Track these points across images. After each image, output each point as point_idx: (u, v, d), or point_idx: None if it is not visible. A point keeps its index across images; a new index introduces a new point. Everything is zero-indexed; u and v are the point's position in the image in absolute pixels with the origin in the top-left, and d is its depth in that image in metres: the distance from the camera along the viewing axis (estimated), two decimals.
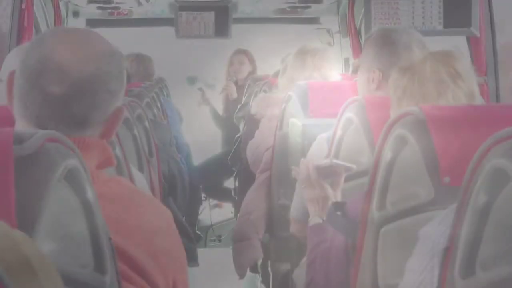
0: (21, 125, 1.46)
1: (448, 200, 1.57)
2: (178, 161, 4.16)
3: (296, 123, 3.15)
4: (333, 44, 5.96)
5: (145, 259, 1.40)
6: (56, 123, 1.43)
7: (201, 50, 7.82)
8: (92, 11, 5.85)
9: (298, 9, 6.04)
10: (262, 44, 7.06)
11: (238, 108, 5.63)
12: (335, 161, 2.31)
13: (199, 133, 7.04)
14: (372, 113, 2.30)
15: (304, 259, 2.44)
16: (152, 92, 4.49)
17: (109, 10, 5.90)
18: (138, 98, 3.50)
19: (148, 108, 3.82)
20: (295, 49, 3.73)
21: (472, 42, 4.10)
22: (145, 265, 1.40)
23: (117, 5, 5.71)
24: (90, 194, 1.22)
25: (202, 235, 6.21)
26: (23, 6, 4.19)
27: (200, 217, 6.36)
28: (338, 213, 2.07)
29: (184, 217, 4.61)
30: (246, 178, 4.35)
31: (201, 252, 4.97)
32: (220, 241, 6.34)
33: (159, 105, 4.61)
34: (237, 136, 5.20)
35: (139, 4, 5.59)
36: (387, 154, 1.77)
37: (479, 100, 1.99)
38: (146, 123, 3.03)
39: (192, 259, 4.13)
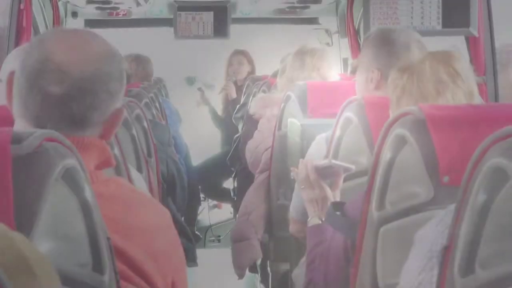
0: (20, 125, 1.46)
1: (448, 199, 1.57)
2: (177, 161, 4.16)
3: (295, 123, 3.15)
4: (332, 44, 5.97)
5: (143, 259, 1.40)
6: (55, 123, 1.43)
7: (200, 50, 7.82)
8: (91, 11, 5.85)
9: (297, 9, 6.04)
10: (261, 44, 7.06)
11: (237, 108, 5.62)
12: (334, 161, 2.31)
13: (198, 134, 7.04)
14: (371, 113, 2.30)
15: (303, 259, 2.44)
16: (151, 92, 4.49)
17: (108, 11, 5.90)
18: (137, 98, 3.50)
19: (147, 108, 3.82)
20: (294, 49, 3.73)
21: (471, 42, 4.10)
22: (143, 265, 1.40)
23: (115, 6, 5.71)
24: (88, 194, 1.21)
25: (201, 236, 6.21)
26: (22, 7, 4.19)
27: (199, 217, 6.36)
28: (337, 213, 2.07)
29: (183, 218, 4.61)
30: (245, 179, 4.35)
31: (200, 253, 4.97)
32: (219, 241, 6.34)
33: (158, 105, 4.60)
34: (236, 136, 5.20)
35: (138, 4, 5.59)
36: (387, 154, 1.77)
37: (478, 100, 1.99)
38: (145, 123, 3.02)
39: (191, 259, 4.13)
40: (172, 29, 6.04)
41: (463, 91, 1.93)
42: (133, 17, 6.12)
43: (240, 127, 5.38)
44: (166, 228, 1.52)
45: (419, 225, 1.47)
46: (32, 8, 4.33)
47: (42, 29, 4.80)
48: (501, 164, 1.15)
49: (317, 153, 2.69)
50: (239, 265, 3.84)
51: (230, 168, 5.32)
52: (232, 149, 5.16)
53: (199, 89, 6.85)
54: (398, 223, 1.74)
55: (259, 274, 4.25)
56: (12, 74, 1.49)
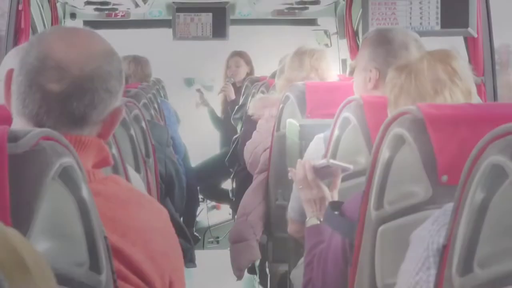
0: (19, 123, 1.46)
1: (446, 199, 1.56)
2: (175, 162, 4.16)
3: (294, 123, 3.14)
4: (331, 45, 5.97)
5: (141, 258, 1.40)
6: (54, 121, 1.43)
7: (199, 51, 7.82)
8: (89, 12, 5.85)
9: (296, 11, 6.04)
10: (259, 45, 7.06)
11: (235, 109, 5.62)
12: (332, 161, 2.30)
13: (197, 134, 7.04)
14: (369, 113, 2.30)
15: (302, 260, 2.43)
16: (149, 93, 4.48)
17: (106, 12, 5.90)
18: (135, 98, 3.50)
19: (145, 109, 3.82)
20: (293, 50, 3.73)
21: (470, 42, 4.10)
22: (141, 265, 1.40)
23: (114, 7, 5.71)
24: (85, 193, 1.21)
25: (199, 237, 6.21)
26: (20, 7, 4.19)
27: (198, 218, 6.35)
28: (336, 213, 2.06)
29: (181, 218, 4.61)
30: (244, 179, 4.35)
31: (199, 254, 4.97)
32: (218, 242, 6.34)
33: (156, 106, 4.60)
34: (234, 137, 5.20)
35: (137, 5, 5.59)
36: (385, 153, 1.76)
37: (476, 99, 1.98)
38: (143, 124, 3.02)
39: (190, 260, 4.13)
40: (170, 30, 6.05)
41: (461, 89, 1.92)
42: (131, 18, 6.13)
43: (239, 128, 5.38)
44: (164, 228, 1.52)
45: (418, 224, 1.47)
46: (30, 9, 4.33)
47: (40, 30, 4.79)
48: (499, 162, 1.15)
49: (315, 153, 2.69)
50: (237, 266, 3.83)
51: (228, 169, 5.32)
52: (231, 150, 5.16)
53: (198, 90, 6.85)
54: (397, 223, 1.74)
55: (257, 275, 4.25)
56: (10, 72, 1.49)
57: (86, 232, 1.21)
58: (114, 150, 2.00)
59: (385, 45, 2.56)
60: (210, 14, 6.00)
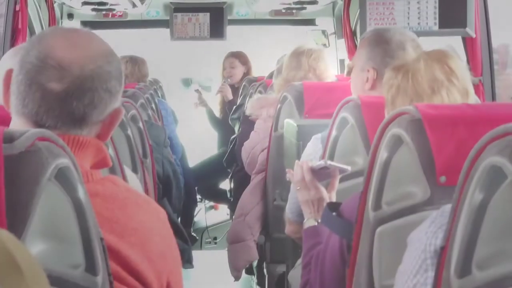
0: (18, 123, 1.46)
1: (444, 199, 1.56)
2: (172, 162, 4.16)
3: (292, 123, 3.13)
4: (329, 45, 5.97)
5: (138, 259, 1.39)
6: (54, 121, 1.43)
7: (196, 51, 7.82)
8: (87, 12, 5.84)
9: (294, 11, 6.04)
10: (257, 45, 7.06)
11: (233, 109, 5.62)
12: (329, 162, 2.30)
13: (194, 135, 7.04)
14: (367, 113, 2.29)
15: (300, 261, 2.43)
16: (146, 93, 4.48)
17: (104, 12, 5.89)
18: (133, 99, 3.49)
19: (142, 109, 3.81)
20: (291, 50, 3.73)
21: (468, 42, 4.10)
22: (138, 266, 1.39)
23: (111, 7, 5.71)
24: (81, 194, 1.20)
25: (197, 237, 6.20)
26: (18, 8, 4.18)
27: (196, 219, 6.35)
28: (333, 214, 2.06)
29: (179, 219, 4.60)
30: (242, 180, 4.35)
31: (197, 254, 4.96)
32: (215, 243, 6.33)
33: (154, 106, 4.60)
34: (232, 137, 5.20)
35: (134, 5, 5.58)
36: (383, 154, 1.76)
37: (473, 98, 1.98)
38: (140, 124, 3.02)
39: (187, 260, 4.13)
40: (168, 31, 6.04)
41: (458, 89, 1.92)
42: (129, 18, 6.12)
43: (236, 128, 5.37)
44: (161, 228, 1.51)
45: (416, 225, 1.46)
46: (27, 10, 4.31)
47: (38, 30, 4.79)
48: (498, 162, 1.14)
49: (312, 154, 2.68)
50: (235, 266, 3.83)
51: (226, 169, 5.32)
52: (228, 150, 5.16)
53: (197, 90, 6.85)
54: (395, 224, 1.73)
55: (255, 276, 4.25)
56: (10, 72, 1.48)
57: (82, 233, 1.20)
58: (111, 151, 2.00)
59: (383, 45, 2.55)
60: (208, 14, 6.00)
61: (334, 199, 2.34)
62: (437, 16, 4.08)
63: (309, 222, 2.35)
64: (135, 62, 5.32)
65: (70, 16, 5.95)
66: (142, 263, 1.40)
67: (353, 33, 5.18)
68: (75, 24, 5.92)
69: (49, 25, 5.02)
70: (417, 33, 2.76)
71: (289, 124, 3.19)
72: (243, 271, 3.96)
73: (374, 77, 2.55)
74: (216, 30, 6.01)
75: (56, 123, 1.43)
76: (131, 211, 1.45)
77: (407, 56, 2.36)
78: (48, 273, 1.08)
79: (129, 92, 3.84)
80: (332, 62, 4.49)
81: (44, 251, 1.11)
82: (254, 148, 3.90)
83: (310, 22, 6.24)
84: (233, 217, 4.09)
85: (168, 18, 6.02)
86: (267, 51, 6.65)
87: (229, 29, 6.06)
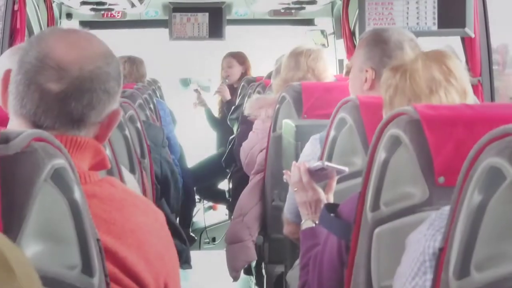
0: (16, 123, 1.46)
1: (443, 200, 1.55)
2: (171, 162, 4.15)
3: (290, 124, 3.13)
4: (328, 45, 5.97)
5: (136, 260, 1.39)
6: (52, 121, 1.43)
7: (195, 51, 7.82)
8: (86, 12, 5.84)
9: (292, 11, 6.04)
10: (256, 45, 7.06)
11: (232, 109, 5.62)
12: (327, 163, 2.29)
13: (193, 135, 7.03)
14: (366, 113, 2.29)
15: (298, 261, 2.42)
16: (145, 93, 4.48)
17: (103, 12, 5.89)
18: (131, 99, 3.49)
19: (140, 109, 3.81)
20: (289, 50, 3.72)
21: (467, 42, 4.10)
22: (135, 267, 1.39)
23: (110, 7, 5.70)
24: (77, 194, 1.20)
25: (196, 238, 6.20)
26: (16, 8, 4.17)
27: (194, 219, 6.35)
28: (331, 215, 2.05)
29: (177, 219, 4.60)
30: (241, 180, 4.35)
31: (195, 255, 4.96)
32: (214, 243, 6.33)
33: (152, 106, 4.59)
34: (231, 137, 5.19)
35: (133, 5, 5.58)
36: (381, 154, 1.75)
37: (472, 98, 1.97)
38: (138, 124, 3.01)
39: (185, 261, 4.12)
40: (167, 30, 6.04)
41: (456, 89, 1.91)
42: (128, 18, 6.12)
43: (235, 128, 5.37)
44: (159, 230, 1.51)
45: (414, 226, 1.46)
46: (26, 10, 4.31)
47: (36, 30, 4.79)
48: (497, 163, 1.14)
49: (311, 154, 2.68)
50: (233, 267, 3.83)
51: (225, 170, 5.32)
52: (227, 151, 5.16)
53: (196, 90, 6.85)
54: (393, 224, 1.73)
55: (254, 276, 4.25)
56: (8, 72, 1.48)
57: (78, 234, 1.19)
58: (109, 151, 1.99)
59: (381, 45, 2.55)
60: (207, 14, 6.00)
61: (331, 200, 2.34)
62: (436, 16, 4.08)
63: (307, 223, 2.35)
64: (133, 62, 5.32)
65: (69, 16, 5.94)
66: (139, 265, 1.39)
67: (352, 33, 5.18)
68: (74, 24, 5.92)
69: (48, 25, 5.02)
70: (416, 33, 2.75)
71: (288, 125, 3.18)
72: (242, 271, 3.95)
73: (372, 77, 2.54)
74: (215, 30, 6.01)
75: (54, 124, 1.42)
76: (128, 213, 1.44)
77: (405, 56, 2.36)
78: (44, 274, 1.08)
79: (127, 92, 3.84)
80: (331, 62, 4.49)
81: (40, 252, 1.11)
82: (252, 148, 3.90)
83: (309, 22, 6.24)
84: (232, 217, 4.09)
85: (167, 18, 6.02)
86: (266, 51, 6.65)
87: (228, 29, 6.06)
